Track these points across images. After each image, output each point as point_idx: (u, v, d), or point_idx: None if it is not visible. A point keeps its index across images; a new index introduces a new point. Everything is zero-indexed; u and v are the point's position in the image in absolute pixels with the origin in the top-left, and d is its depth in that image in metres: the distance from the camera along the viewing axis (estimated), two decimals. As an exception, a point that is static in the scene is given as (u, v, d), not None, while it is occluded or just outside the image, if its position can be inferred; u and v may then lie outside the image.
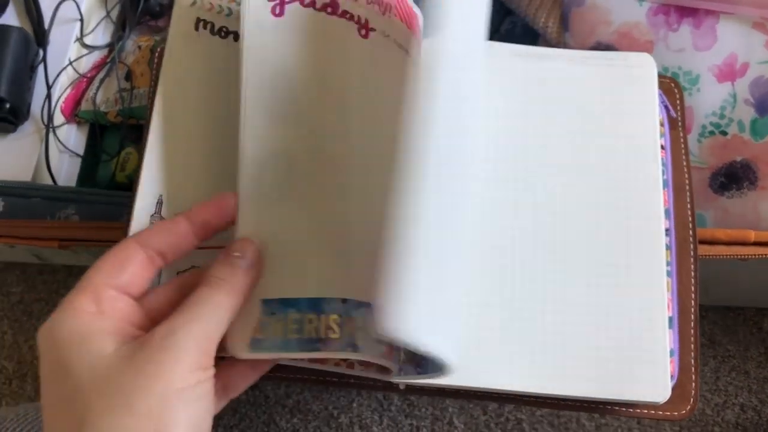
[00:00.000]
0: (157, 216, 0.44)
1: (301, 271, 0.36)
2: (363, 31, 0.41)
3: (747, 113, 0.57)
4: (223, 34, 0.46)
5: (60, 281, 0.77)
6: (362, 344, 0.35)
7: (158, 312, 0.34)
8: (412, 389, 0.44)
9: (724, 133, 0.57)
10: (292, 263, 0.36)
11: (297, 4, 0.40)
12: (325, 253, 0.36)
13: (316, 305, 0.35)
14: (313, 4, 0.40)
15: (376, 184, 0.37)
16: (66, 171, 0.66)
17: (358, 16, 0.41)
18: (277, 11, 0.39)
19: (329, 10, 0.40)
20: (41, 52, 0.65)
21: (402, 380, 0.42)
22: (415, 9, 0.43)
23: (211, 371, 0.32)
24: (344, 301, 0.36)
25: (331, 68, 0.40)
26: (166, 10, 0.72)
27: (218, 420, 0.67)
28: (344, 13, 0.41)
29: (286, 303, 0.35)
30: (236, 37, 0.45)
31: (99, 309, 0.32)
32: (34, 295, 0.77)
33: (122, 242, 0.34)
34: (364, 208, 0.37)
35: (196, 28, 0.45)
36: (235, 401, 0.67)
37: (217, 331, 0.33)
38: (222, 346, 0.34)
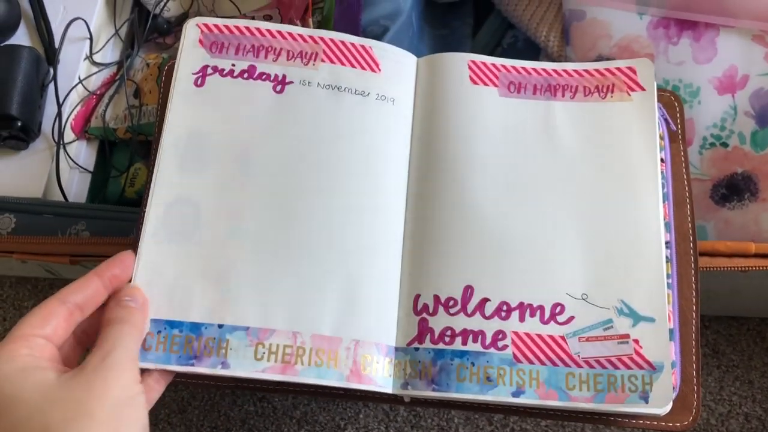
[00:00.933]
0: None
1: (187, 300, 0.43)
2: (279, 87, 0.48)
3: (747, 125, 0.57)
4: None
5: (70, 295, 0.78)
6: (233, 362, 0.42)
7: (66, 358, 0.41)
8: (417, 401, 0.45)
9: (725, 145, 0.58)
10: (180, 292, 0.43)
11: (217, 75, 0.48)
12: (210, 287, 0.44)
13: (196, 328, 0.43)
14: (231, 74, 0.48)
15: (266, 227, 0.45)
16: (76, 187, 0.67)
17: (275, 74, 0.48)
18: (199, 82, 0.48)
19: (245, 75, 0.48)
20: (52, 71, 0.67)
21: (408, 394, 0.43)
22: (365, 42, 0.50)
23: (142, 385, 0.39)
24: (220, 326, 0.43)
25: (238, 125, 0.47)
26: (173, 27, 0.73)
27: (227, 432, 0.68)
28: (260, 75, 0.48)
29: (172, 324, 0.43)
30: None
31: (31, 353, 0.38)
32: (45, 308, 0.78)
33: (46, 300, 0.40)
34: (251, 247, 0.44)
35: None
36: (244, 413, 0.68)
37: (136, 354, 0.40)
38: None
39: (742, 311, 0.67)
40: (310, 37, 0.49)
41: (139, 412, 0.38)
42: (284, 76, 0.48)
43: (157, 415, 0.69)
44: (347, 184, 0.46)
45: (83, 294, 0.41)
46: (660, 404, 0.41)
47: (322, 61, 0.49)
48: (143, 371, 0.42)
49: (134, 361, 0.40)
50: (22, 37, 0.69)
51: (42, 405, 0.35)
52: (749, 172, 0.57)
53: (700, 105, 0.58)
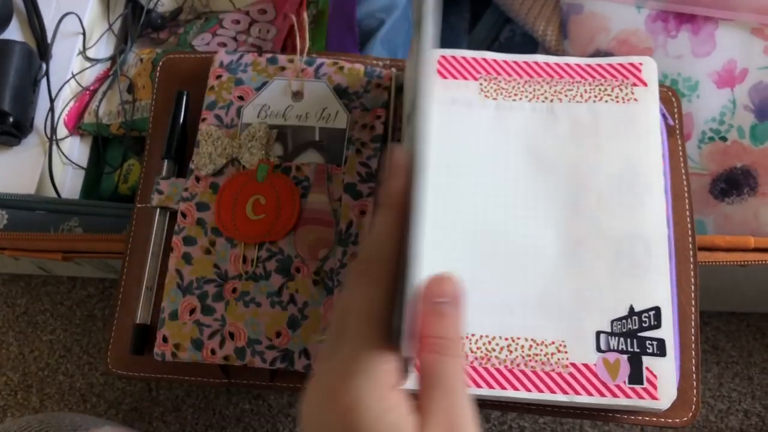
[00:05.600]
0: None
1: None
2: None
3: (747, 119, 0.57)
4: None
5: (64, 293, 0.77)
6: None
7: None
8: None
9: (724, 139, 0.57)
10: None
11: None
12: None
13: None
14: None
15: None
16: (69, 183, 0.66)
17: None
18: None
19: None
20: (44, 66, 0.66)
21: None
22: None
23: None
24: None
25: None
26: (167, 23, 0.72)
27: (222, 431, 0.67)
28: None
29: None
30: None
31: (387, 368, 0.30)
32: (38, 306, 0.77)
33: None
34: None
35: None
36: (239, 411, 0.67)
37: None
38: None
39: (742, 307, 0.66)
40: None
41: None
42: None
43: (151, 413, 0.68)
44: None
45: None
46: (662, 398, 0.41)
47: None
48: None
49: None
50: (14, 32, 0.68)
51: None
52: (748, 166, 0.56)
53: (699, 99, 0.58)
